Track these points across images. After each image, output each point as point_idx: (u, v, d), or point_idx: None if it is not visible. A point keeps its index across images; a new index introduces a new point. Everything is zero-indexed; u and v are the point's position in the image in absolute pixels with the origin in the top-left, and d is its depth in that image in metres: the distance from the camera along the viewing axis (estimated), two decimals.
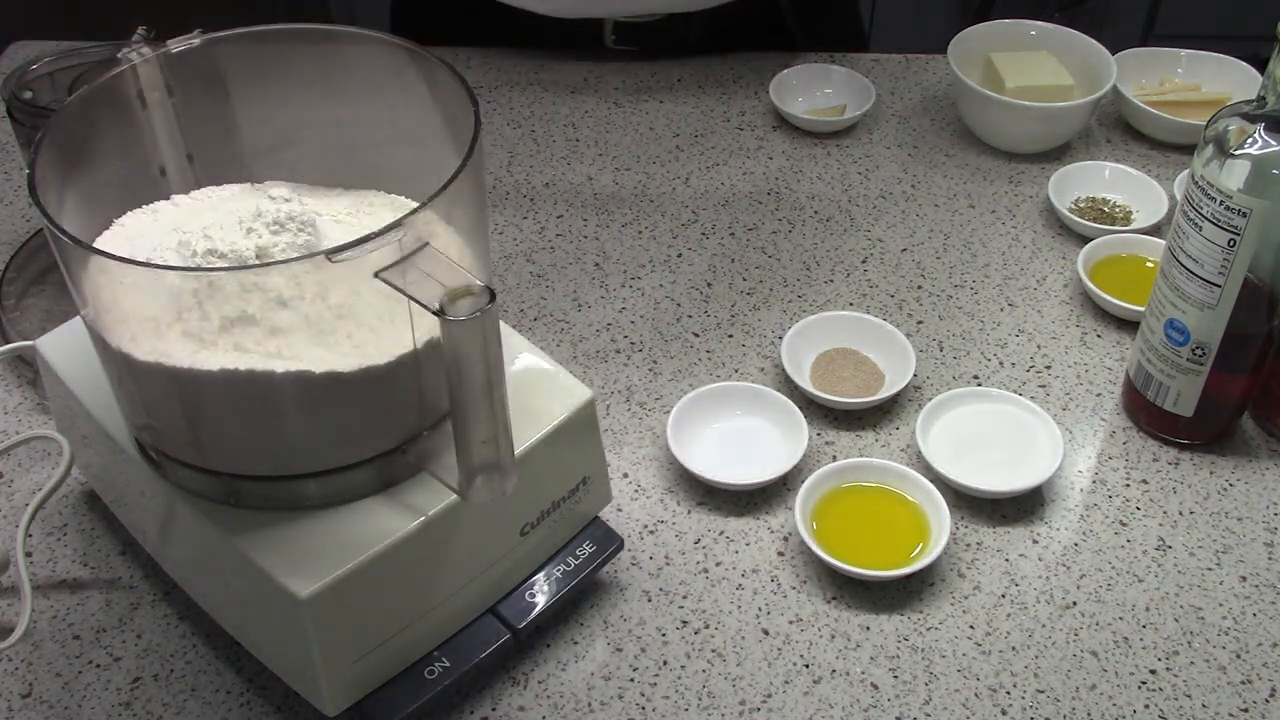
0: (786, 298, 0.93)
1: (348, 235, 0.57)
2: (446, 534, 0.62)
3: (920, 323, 0.91)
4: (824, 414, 0.84)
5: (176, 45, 0.64)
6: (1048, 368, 0.88)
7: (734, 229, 0.99)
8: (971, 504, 0.78)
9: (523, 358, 0.69)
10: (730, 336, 0.90)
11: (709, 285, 0.94)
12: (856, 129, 1.09)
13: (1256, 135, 0.70)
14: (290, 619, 0.59)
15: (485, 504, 0.60)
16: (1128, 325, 0.90)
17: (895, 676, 0.69)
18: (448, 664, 0.65)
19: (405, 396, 0.60)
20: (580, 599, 0.73)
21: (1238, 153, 0.70)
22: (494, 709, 0.68)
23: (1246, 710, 0.68)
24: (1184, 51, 1.12)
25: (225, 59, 0.66)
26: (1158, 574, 0.75)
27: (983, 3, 2.12)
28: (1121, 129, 1.09)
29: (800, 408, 0.81)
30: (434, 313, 0.51)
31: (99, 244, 0.61)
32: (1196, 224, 0.73)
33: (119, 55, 0.63)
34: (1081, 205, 1.00)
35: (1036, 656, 0.70)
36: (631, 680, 0.69)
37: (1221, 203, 0.71)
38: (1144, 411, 0.82)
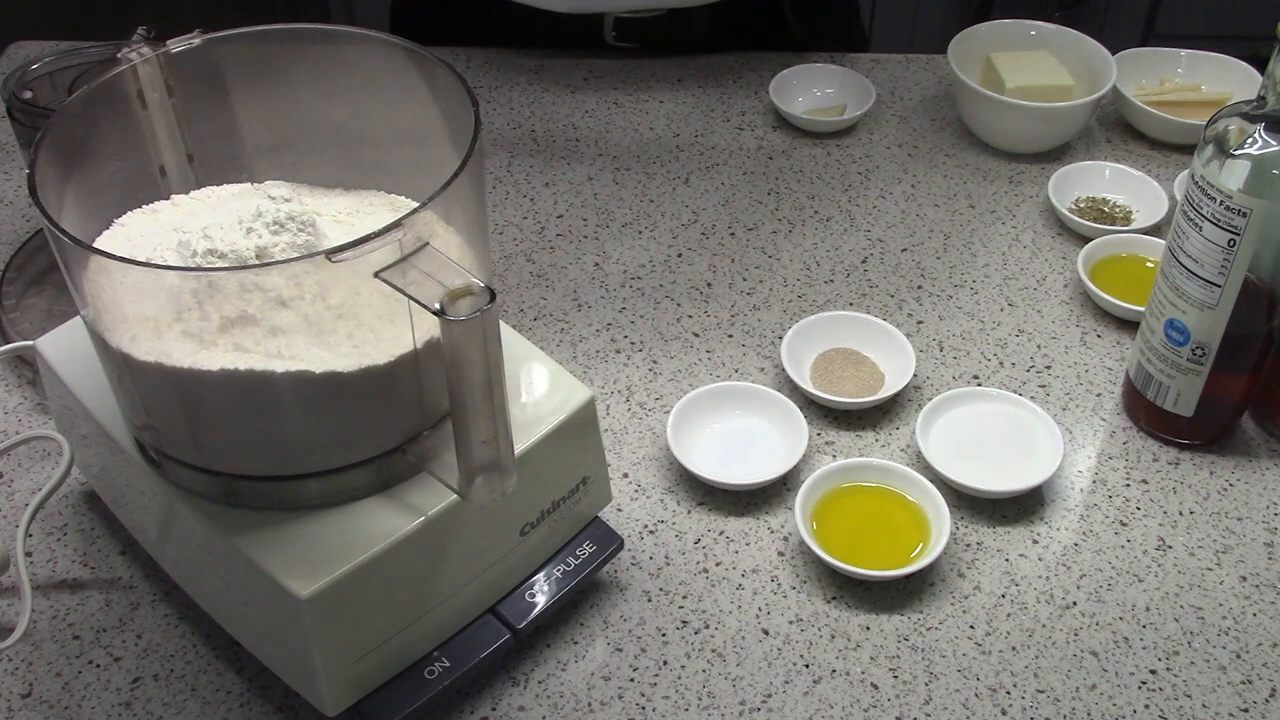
0: (786, 298, 0.93)
1: (348, 235, 0.57)
2: (446, 534, 0.62)
3: (920, 323, 0.91)
4: (824, 414, 0.84)
5: (176, 45, 0.64)
6: (1048, 368, 0.88)
7: (734, 229, 0.99)
8: (971, 504, 0.78)
9: (523, 358, 0.69)
10: (730, 336, 0.90)
11: (709, 285, 0.94)
12: (856, 129, 1.09)
13: (1256, 135, 0.70)
14: (290, 619, 0.59)
15: (485, 504, 0.60)
16: (1128, 325, 0.90)
17: (895, 676, 0.69)
18: (448, 664, 0.65)
19: (405, 396, 0.60)
20: (580, 599, 0.73)
21: (1238, 153, 0.70)
22: (494, 709, 0.68)
23: (1246, 710, 0.68)
24: (1184, 51, 1.12)
25: (225, 59, 0.66)
26: (1158, 574, 0.75)
27: (983, 3, 2.12)
28: (1121, 129, 1.09)
29: (800, 408, 0.81)
30: (434, 313, 0.51)
31: (99, 244, 0.61)
32: (1196, 224, 0.73)
33: (119, 55, 0.63)
34: (1081, 205, 1.00)
35: (1036, 656, 0.70)
36: (631, 680, 0.69)
37: (1221, 203, 0.71)
38: (1144, 411, 0.82)
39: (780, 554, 0.75)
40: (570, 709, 0.68)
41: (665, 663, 0.70)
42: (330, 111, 0.67)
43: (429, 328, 0.56)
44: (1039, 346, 0.89)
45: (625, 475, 0.80)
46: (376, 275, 0.53)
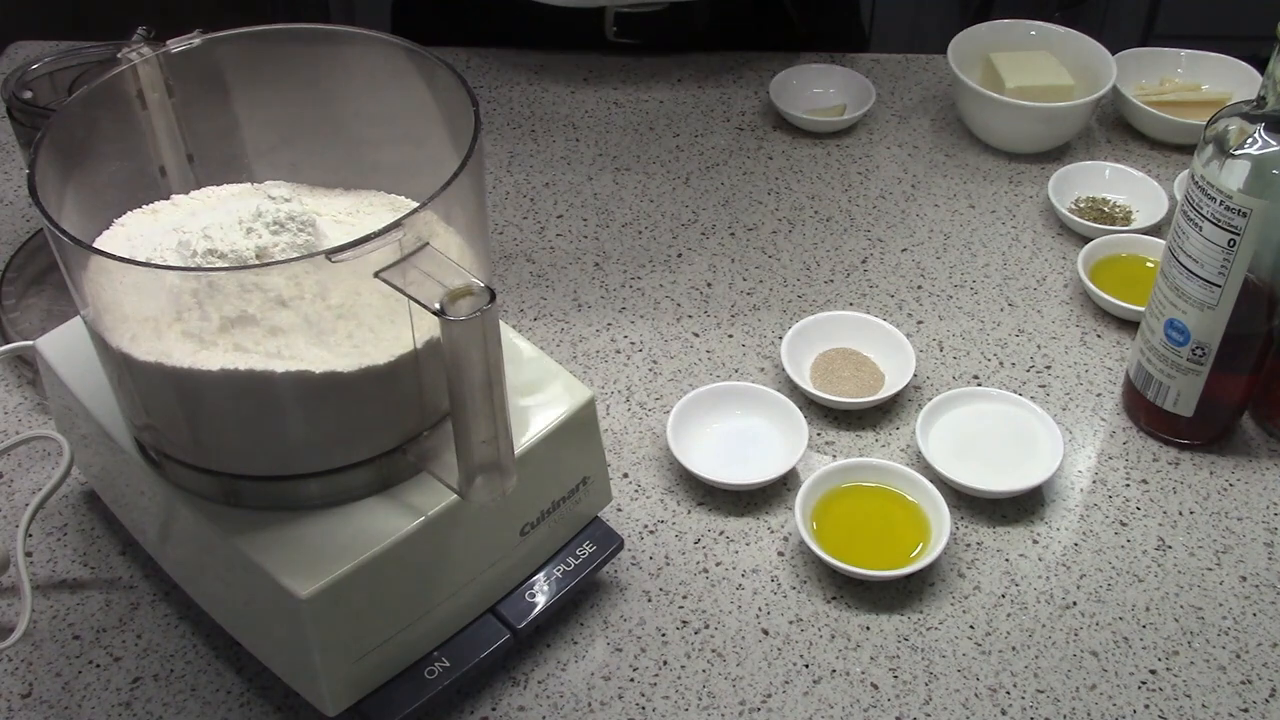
0: (786, 298, 0.93)
1: (348, 235, 0.57)
2: (446, 534, 0.62)
3: (920, 323, 0.91)
4: (824, 414, 0.84)
5: (176, 45, 0.64)
6: (1048, 368, 0.88)
7: (734, 229, 0.99)
8: (971, 504, 0.78)
9: (523, 358, 0.69)
10: (730, 336, 0.90)
11: (709, 285, 0.94)
12: (856, 129, 1.09)
13: (1256, 135, 0.70)
14: (290, 619, 0.59)
15: (485, 504, 0.60)
16: (1128, 325, 0.90)
17: (895, 676, 0.69)
18: (448, 664, 0.65)
19: (405, 396, 0.60)
20: (580, 599, 0.73)
21: (1238, 153, 0.70)
22: (494, 709, 0.68)
23: (1246, 710, 0.68)
24: (1184, 51, 1.12)
25: (225, 59, 0.66)
26: (1158, 574, 0.75)
27: (983, 3, 2.12)
28: (1121, 129, 1.09)
29: (800, 408, 0.81)
30: (434, 313, 0.51)
31: (99, 244, 0.61)
32: (1196, 224, 0.73)
33: (119, 55, 0.63)
34: (1081, 205, 1.00)
35: (1036, 656, 0.70)
36: (631, 680, 0.69)
37: (1221, 203, 0.71)
38: (1144, 411, 0.82)
39: (780, 554, 0.75)
40: (570, 709, 0.68)
41: (665, 663, 0.70)
42: (330, 111, 0.67)
43: (429, 328, 0.56)
44: (1039, 346, 0.89)
45: (625, 475, 0.80)
46: (376, 275, 0.53)
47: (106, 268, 0.56)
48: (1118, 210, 0.99)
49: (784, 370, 0.84)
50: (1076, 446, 0.82)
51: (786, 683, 0.69)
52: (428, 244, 0.53)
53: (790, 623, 0.72)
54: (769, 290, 0.93)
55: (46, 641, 0.70)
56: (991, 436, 0.80)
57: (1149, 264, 0.93)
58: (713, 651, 0.70)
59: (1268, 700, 0.68)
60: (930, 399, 0.82)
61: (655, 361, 0.88)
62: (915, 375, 0.85)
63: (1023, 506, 0.78)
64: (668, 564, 0.75)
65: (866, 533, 0.75)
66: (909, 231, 0.99)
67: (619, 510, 0.77)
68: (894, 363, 0.85)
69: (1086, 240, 0.95)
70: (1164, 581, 0.74)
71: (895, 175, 1.04)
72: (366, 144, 0.68)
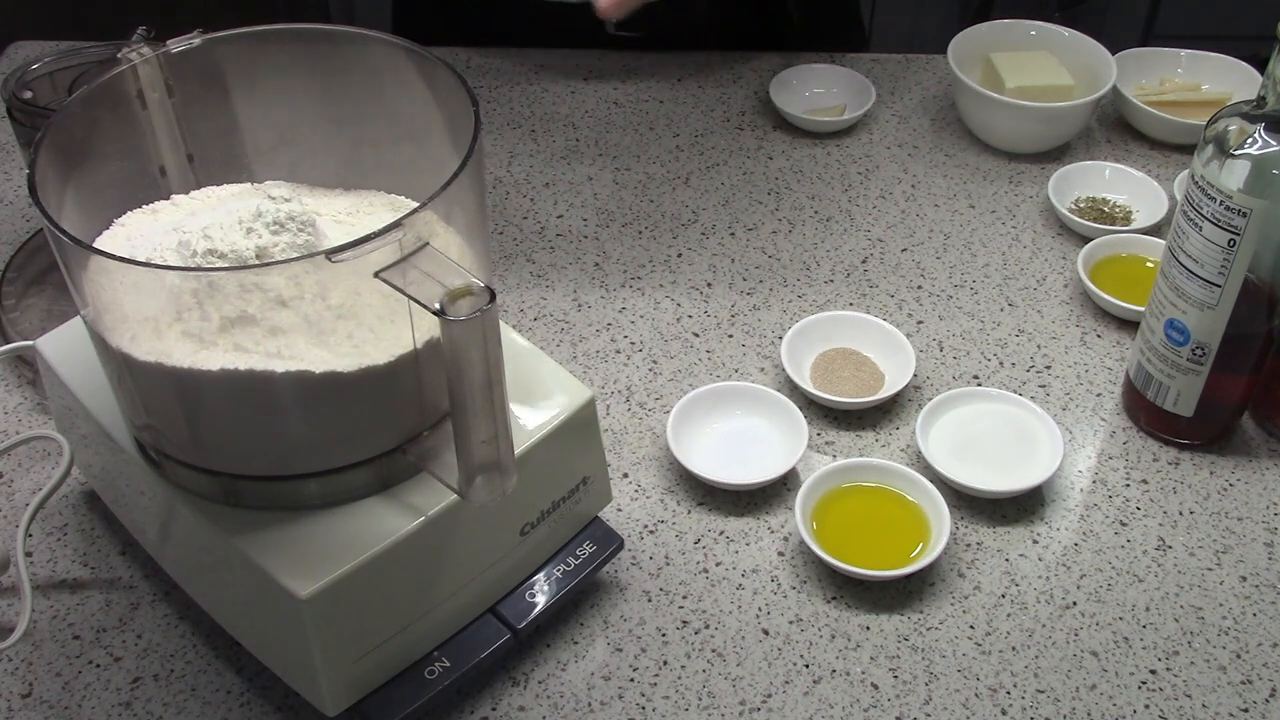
0: (786, 298, 0.93)
1: (348, 235, 0.57)
2: (446, 534, 0.62)
3: (920, 323, 0.91)
4: (824, 414, 0.84)
5: (176, 45, 0.64)
6: (1048, 368, 0.88)
7: (734, 229, 0.99)
8: (971, 504, 0.78)
9: (523, 358, 0.69)
10: (730, 336, 0.90)
11: (709, 285, 0.94)
12: (856, 129, 1.09)
13: (1256, 135, 0.70)
14: (290, 619, 0.59)
15: (485, 504, 0.60)
16: (1128, 325, 0.90)
17: (895, 676, 0.69)
18: (448, 664, 0.65)
19: (405, 396, 0.60)
20: (580, 599, 0.73)
21: (1238, 153, 0.70)
22: (494, 709, 0.68)
23: (1246, 710, 0.68)
24: (1184, 51, 1.12)
25: (225, 59, 0.66)
26: (1158, 574, 0.75)
27: (983, 3, 2.12)
28: (1121, 129, 1.09)
29: (800, 408, 0.81)
30: (434, 313, 0.51)
31: (99, 244, 0.61)
32: (1196, 224, 0.73)
33: (119, 55, 0.63)
34: (1081, 205, 1.00)
35: (1036, 656, 0.70)
36: (631, 680, 0.69)
37: (1221, 203, 0.71)
38: (1144, 411, 0.82)
39: (780, 554, 0.75)
40: (570, 709, 0.68)
41: (665, 663, 0.70)
42: (330, 111, 0.67)
43: (429, 328, 0.56)
44: (1039, 346, 0.89)
45: (625, 475, 0.80)
46: (376, 275, 0.53)
47: (106, 268, 0.56)
48: (1118, 210, 0.99)
49: (784, 370, 0.84)
50: (1076, 446, 0.82)
51: (786, 683, 0.69)
52: (428, 244, 0.53)
53: (790, 623, 0.72)
54: (769, 290, 0.93)
55: (46, 641, 0.70)
56: (991, 436, 0.80)
57: (1149, 264, 0.93)
58: (713, 651, 0.70)
59: (1268, 700, 0.68)
60: (930, 399, 0.82)
61: (655, 361, 0.88)
62: (915, 375, 0.85)
63: (1023, 506, 0.78)
64: (668, 564, 0.75)
65: (866, 533, 0.75)
66: (909, 231, 0.99)
67: (619, 510, 0.77)
68: (894, 363, 0.85)
69: (1086, 240, 0.95)
70: (1164, 581, 0.74)
71: (895, 175, 1.04)
72: (366, 144, 0.68)
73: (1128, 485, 0.80)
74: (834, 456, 0.81)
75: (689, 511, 0.78)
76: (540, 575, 0.69)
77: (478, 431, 0.55)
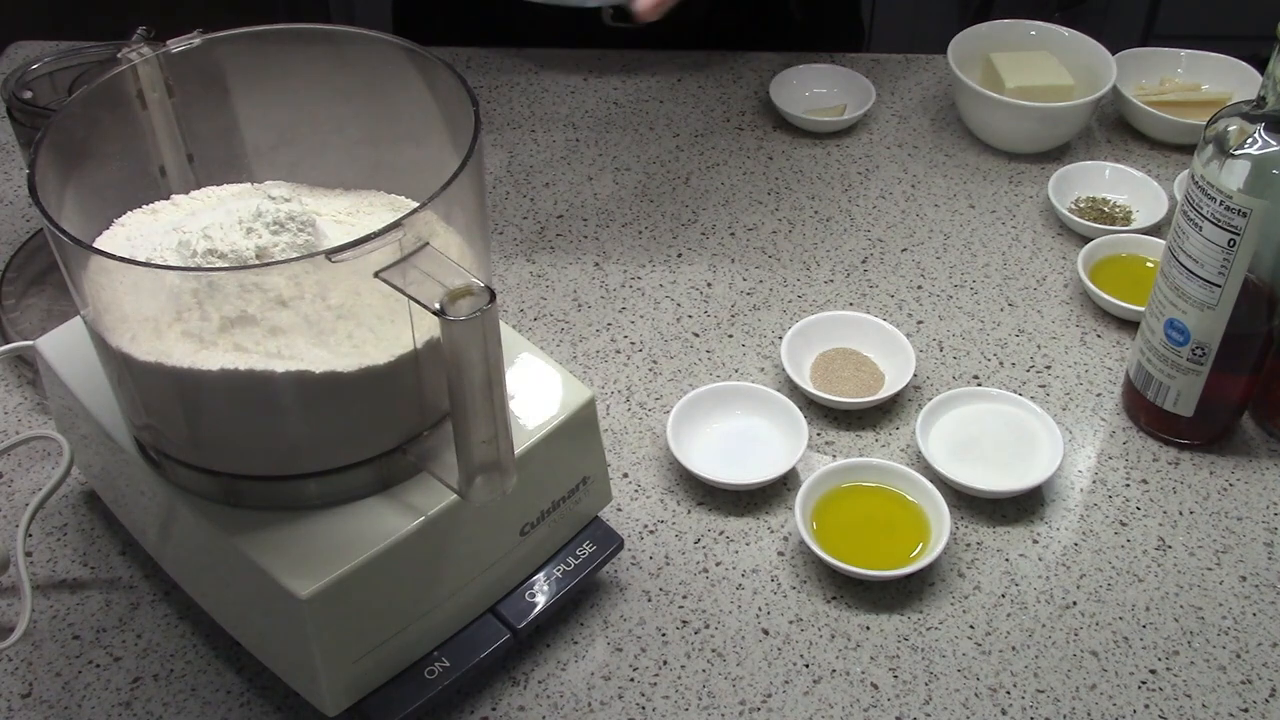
0: (786, 298, 0.93)
1: (348, 235, 0.57)
2: (446, 534, 0.62)
3: (920, 323, 0.91)
4: (824, 414, 0.84)
5: (176, 45, 0.64)
6: (1048, 368, 0.88)
7: (734, 229, 0.99)
8: (971, 504, 0.78)
9: (523, 358, 0.69)
10: (730, 336, 0.90)
11: (709, 285, 0.94)
12: (856, 129, 1.09)
13: (1256, 135, 0.70)
14: (290, 619, 0.59)
15: (485, 504, 0.60)
16: (1128, 325, 0.90)
17: (895, 676, 0.69)
18: (448, 664, 0.65)
19: (405, 396, 0.60)
20: (580, 599, 0.73)
21: (1238, 153, 0.70)
22: (494, 709, 0.68)
23: (1246, 710, 0.68)
24: (1184, 51, 1.12)
25: (225, 59, 0.66)
26: (1158, 574, 0.75)
27: (983, 3, 2.12)
28: (1121, 129, 1.09)
29: (800, 408, 0.81)
30: (434, 313, 0.51)
31: (99, 244, 0.61)
32: (1196, 224, 0.73)
33: (119, 55, 0.63)
34: (1081, 205, 1.00)
35: (1036, 656, 0.70)
36: (631, 680, 0.69)
37: (1221, 203, 0.71)
38: (1144, 411, 0.82)
39: (780, 554, 0.75)
40: (570, 709, 0.68)
41: (665, 663, 0.70)
42: (330, 111, 0.67)
43: (429, 328, 0.56)
44: (1039, 346, 0.89)
45: (625, 475, 0.80)
46: (376, 275, 0.53)
47: (106, 268, 0.56)
48: (1118, 210, 0.99)
49: (784, 370, 0.84)
50: (1076, 446, 0.82)
51: (786, 683, 0.69)
52: (428, 244, 0.53)
53: (790, 623, 0.72)
54: (769, 290, 0.93)
55: (46, 641, 0.70)
56: (991, 436, 0.80)
57: (1149, 264, 0.93)
58: (713, 651, 0.70)
59: (1268, 700, 0.68)
60: (930, 399, 0.82)
61: (655, 361, 0.88)
62: (915, 375, 0.85)
63: (1023, 506, 0.78)
64: (668, 564, 0.75)
65: (866, 533, 0.75)
66: (909, 231, 0.99)
67: (619, 510, 0.77)
68: (894, 363, 0.85)
69: (1086, 240, 0.95)
70: (1164, 581, 0.74)
71: (895, 175, 1.04)
72: (366, 144, 0.68)
73: (1128, 485, 0.80)
74: (834, 456, 0.81)
75: (689, 511, 0.78)
76: (540, 575, 0.69)
77: (478, 431, 0.55)
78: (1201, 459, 0.81)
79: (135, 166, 0.66)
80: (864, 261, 0.96)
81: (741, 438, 0.81)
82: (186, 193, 0.67)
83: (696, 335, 0.90)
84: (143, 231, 0.63)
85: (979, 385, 0.86)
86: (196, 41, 0.64)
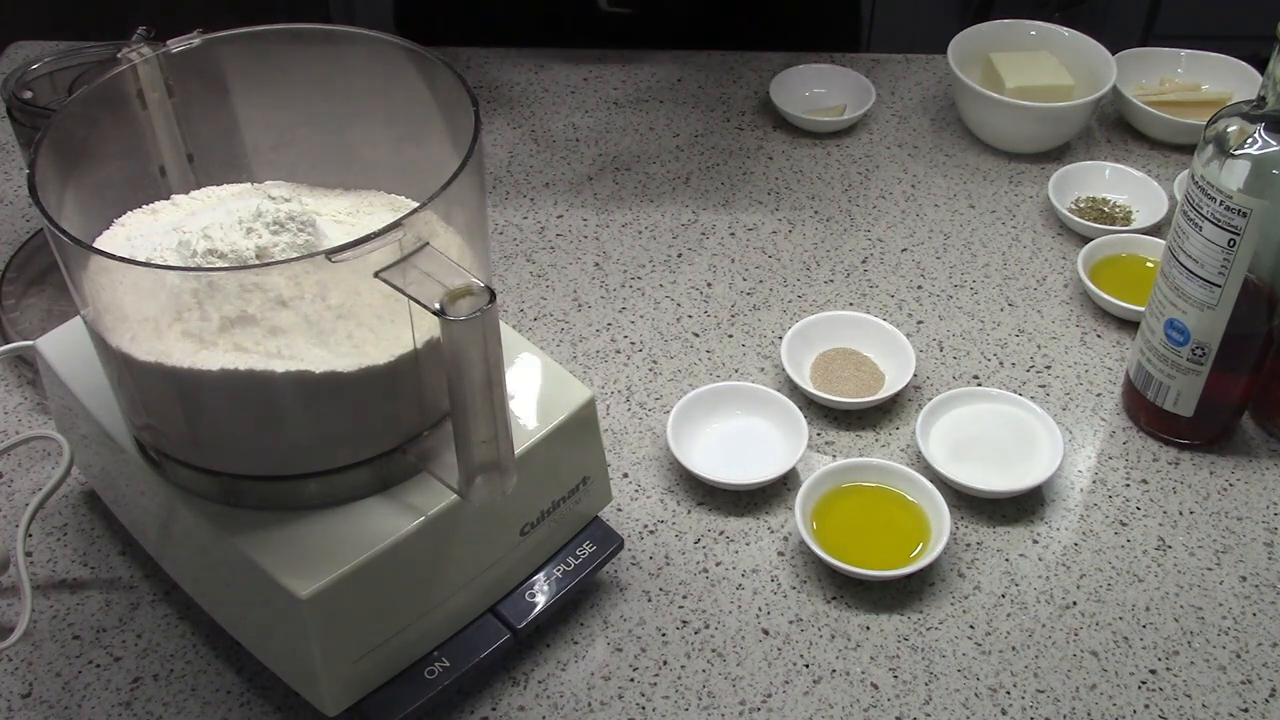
0: (786, 298, 0.93)
1: (348, 235, 0.57)
2: (446, 534, 0.62)
3: (920, 323, 0.91)
4: (824, 414, 0.84)
5: (176, 45, 0.64)
6: (1048, 368, 0.88)
7: (734, 229, 0.99)
8: (971, 504, 0.78)
9: (523, 358, 0.69)
10: (730, 336, 0.90)
11: (709, 285, 0.94)
12: (856, 129, 1.09)
13: (1256, 135, 0.70)
14: (290, 619, 0.59)
15: (485, 504, 0.60)
16: (1128, 325, 0.90)
17: (895, 676, 0.69)
18: (448, 664, 0.65)
19: (405, 396, 0.60)
20: (580, 599, 0.73)
21: (1238, 153, 0.70)
22: (494, 709, 0.68)
23: (1246, 710, 0.68)
24: (1184, 51, 1.12)
25: (225, 59, 0.66)
26: (1158, 574, 0.75)
27: (983, 3, 2.12)
28: (1121, 129, 1.09)
29: (800, 408, 0.81)
30: (434, 313, 0.51)
31: (99, 244, 0.61)
32: (1196, 224, 0.73)
33: (119, 55, 0.63)
34: (1081, 205, 1.00)
35: (1036, 656, 0.70)
36: (631, 680, 0.69)
37: (1221, 203, 0.71)
38: (1144, 411, 0.82)
39: (780, 554, 0.75)
40: (570, 709, 0.68)
41: (665, 663, 0.70)
42: (330, 111, 0.67)
43: (429, 328, 0.56)
44: (1039, 346, 0.89)
45: (625, 475, 0.80)
46: (376, 275, 0.53)
47: (106, 268, 0.56)
48: (1118, 210, 0.99)
49: (784, 370, 0.84)
50: (1076, 446, 0.82)
51: (786, 683, 0.69)
52: (428, 244, 0.53)
53: (790, 623, 0.72)
54: (769, 290, 0.93)
55: (46, 641, 0.70)
56: (991, 436, 0.80)
57: (1149, 264, 0.93)
58: (713, 651, 0.70)
59: (1268, 700, 0.68)
60: (930, 399, 0.82)
61: (655, 361, 0.88)
62: (915, 375, 0.85)
63: (1023, 506, 0.78)
64: (668, 564, 0.75)
65: (866, 533, 0.75)
66: (909, 231, 0.99)
67: (619, 510, 0.77)
68: (894, 363, 0.85)
69: (1086, 240, 0.95)
70: (1164, 581, 0.74)
71: (895, 175, 1.04)
72: (366, 144, 0.68)
73: (1128, 485, 0.80)
74: (834, 456, 0.81)
75: (689, 511, 0.78)
76: (540, 575, 0.69)
77: (478, 431, 0.55)
78: (1201, 459, 0.81)
79: (135, 166, 0.66)
80: (864, 261, 0.96)
81: (741, 438, 0.81)
82: (186, 193, 0.67)
83: (696, 335, 0.90)
84: (143, 231, 0.63)
85: (979, 385, 0.86)
86: (196, 41, 0.64)
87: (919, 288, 0.94)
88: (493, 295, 0.51)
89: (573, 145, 1.07)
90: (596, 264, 0.95)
